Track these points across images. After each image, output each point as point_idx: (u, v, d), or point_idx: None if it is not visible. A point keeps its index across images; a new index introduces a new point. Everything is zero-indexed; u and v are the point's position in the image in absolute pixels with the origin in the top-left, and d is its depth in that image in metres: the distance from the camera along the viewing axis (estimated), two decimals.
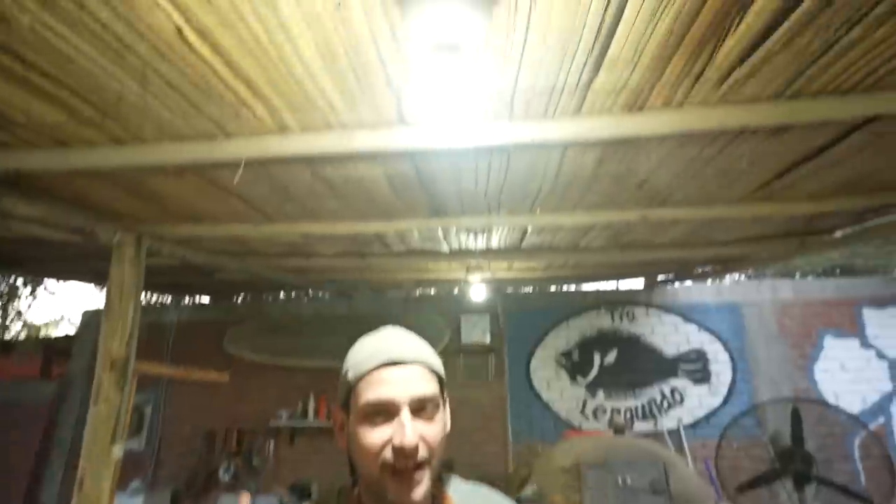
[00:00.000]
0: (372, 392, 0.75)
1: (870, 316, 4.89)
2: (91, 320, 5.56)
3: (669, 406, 4.74)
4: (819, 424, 4.35)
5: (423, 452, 0.73)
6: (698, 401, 4.74)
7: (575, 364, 4.89)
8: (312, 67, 1.14)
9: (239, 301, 5.79)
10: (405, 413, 0.73)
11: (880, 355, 4.79)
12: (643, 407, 4.75)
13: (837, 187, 2.01)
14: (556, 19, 0.99)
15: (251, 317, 5.31)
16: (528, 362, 4.92)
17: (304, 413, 4.81)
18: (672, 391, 4.78)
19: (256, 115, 1.34)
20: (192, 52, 1.08)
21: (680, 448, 4.43)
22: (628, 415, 4.71)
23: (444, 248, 2.82)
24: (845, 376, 4.73)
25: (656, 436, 4.42)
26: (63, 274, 4.05)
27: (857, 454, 4.35)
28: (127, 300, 2.10)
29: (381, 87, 1.22)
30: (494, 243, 2.75)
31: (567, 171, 1.74)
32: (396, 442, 0.72)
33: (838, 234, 2.76)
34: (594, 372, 4.87)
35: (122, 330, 2.07)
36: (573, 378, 4.86)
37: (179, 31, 1.01)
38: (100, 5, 0.94)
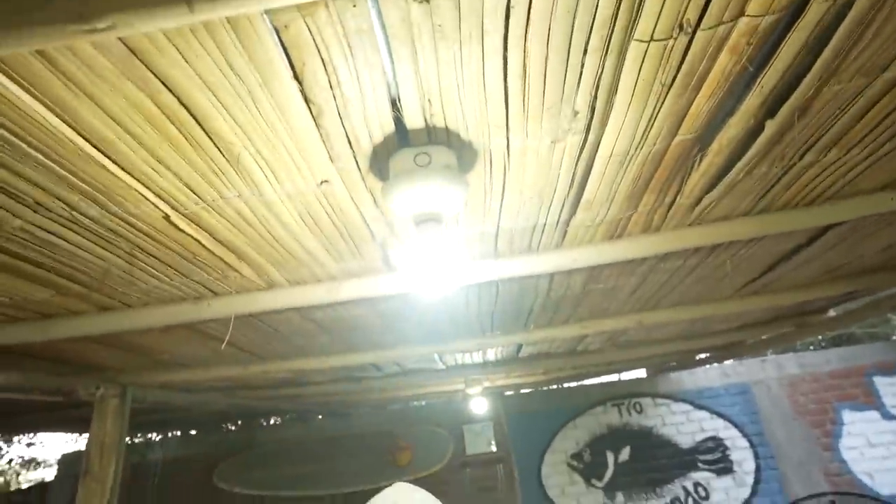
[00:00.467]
0: None
1: (882, 384, 4.77)
2: (71, 465, 5.21)
3: (696, 503, 4.42)
4: None
5: None
6: (725, 494, 4.43)
7: (588, 465, 4.60)
8: (297, 233, 1.17)
9: (227, 430, 5.49)
10: None
11: None
12: None
13: (820, 277, 2.05)
14: (529, 178, 1.05)
15: (242, 447, 5.01)
16: (539, 468, 4.62)
17: None
18: (695, 486, 4.48)
19: (243, 275, 1.35)
20: (178, 231, 1.10)
21: None
22: None
23: (440, 366, 2.75)
24: (875, 452, 4.50)
25: None
26: (37, 427, 3.84)
27: None
28: (108, 458, 1.97)
29: (366, 242, 1.25)
30: (491, 357, 2.69)
31: (557, 292, 1.75)
32: None
33: (832, 312, 2.77)
34: (609, 472, 4.57)
35: (101, 493, 1.91)
36: (588, 481, 4.55)
37: (167, 217, 1.04)
38: (89, 204, 0.97)
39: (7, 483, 6.12)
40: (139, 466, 4.90)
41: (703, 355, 3.97)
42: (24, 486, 6.32)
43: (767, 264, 1.80)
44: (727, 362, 5.90)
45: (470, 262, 1.38)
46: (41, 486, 5.74)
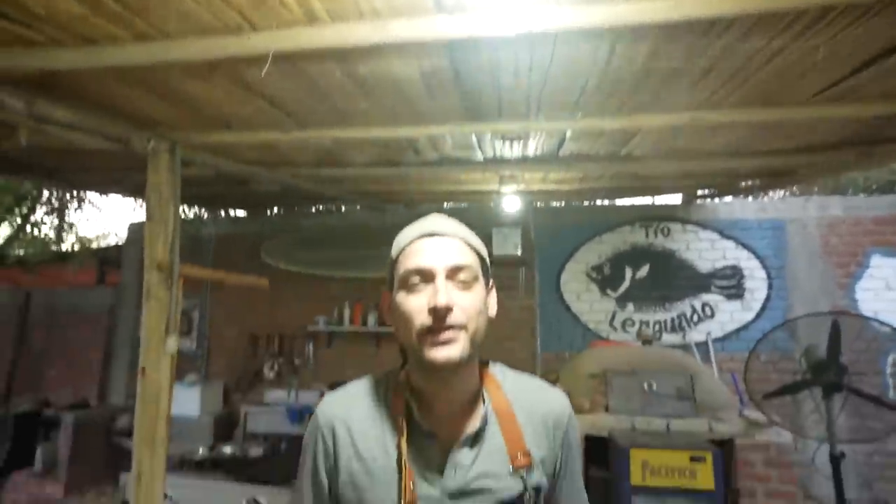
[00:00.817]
0: (410, 261, 0.79)
1: None
2: (138, 232, 5.81)
3: (699, 320, 4.75)
4: (856, 340, 4.31)
5: (457, 316, 0.75)
6: (730, 315, 4.73)
7: (606, 278, 4.89)
8: None
9: (273, 215, 5.90)
10: (440, 279, 0.77)
11: None
12: (672, 320, 4.78)
13: None
14: None
15: (285, 230, 5.44)
16: (559, 275, 4.94)
17: (340, 319, 5.04)
18: (703, 306, 4.77)
19: (283, 3, 1.25)
20: None
21: (707, 361, 4.50)
22: (657, 327, 4.76)
23: (479, 156, 2.73)
24: (889, 295, 4.59)
25: (684, 348, 4.47)
26: (103, 186, 4.16)
27: (888, 370, 4.34)
28: (166, 206, 2.15)
29: None
30: (531, 151, 2.64)
31: (615, 67, 1.60)
32: (431, 303, 0.75)
33: None
34: (625, 285, 4.87)
35: (165, 234, 2.13)
36: (603, 291, 4.88)
37: None
38: None
39: (88, 241, 6.96)
40: (195, 239, 5.44)
41: (747, 182, 3.83)
42: (103, 245, 7.20)
43: (867, 56, 1.57)
44: (767, 198, 5.75)
45: (527, 5, 1.23)
46: (116, 247, 6.54)
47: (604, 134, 2.29)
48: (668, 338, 4.72)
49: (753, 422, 3.18)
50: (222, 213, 5.92)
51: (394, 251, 0.84)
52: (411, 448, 0.79)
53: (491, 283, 0.88)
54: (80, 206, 5.70)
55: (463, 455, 0.80)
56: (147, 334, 2.07)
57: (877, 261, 4.67)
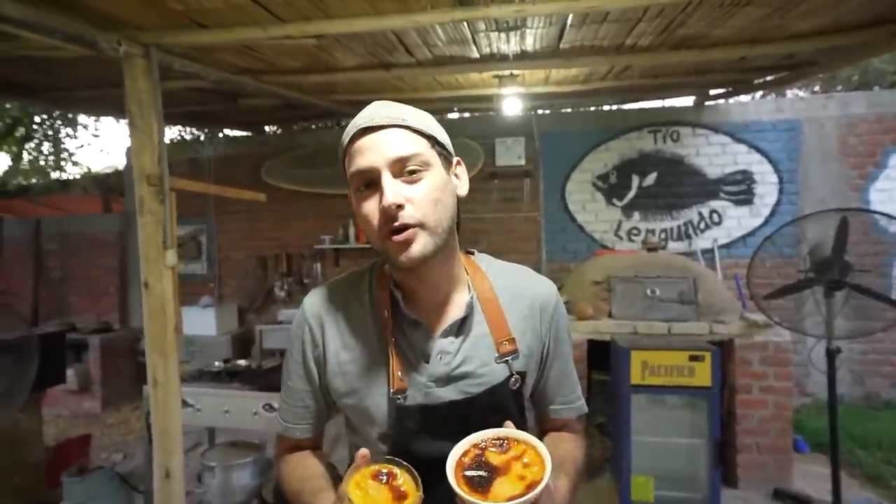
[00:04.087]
0: (353, 164, 0.75)
1: None
2: None
3: (706, 227, 4.70)
4: (862, 243, 4.25)
5: (409, 213, 0.72)
6: (737, 221, 4.66)
7: (612, 186, 4.79)
8: None
9: (271, 134, 5.76)
10: (385, 177, 0.72)
11: None
12: (679, 228, 4.73)
13: None
14: None
15: (284, 149, 5.33)
16: (564, 185, 4.84)
17: (346, 237, 5.07)
18: (711, 213, 4.69)
19: None
20: None
21: (712, 267, 4.50)
22: (663, 235, 4.72)
23: (474, 52, 2.55)
24: None
25: (690, 256, 4.45)
26: (91, 107, 4.03)
27: (894, 272, 4.32)
28: (148, 115, 2.07)
29: None
30: (529, 45, 2.46)
31: None
32: (381, 205, 0.71)
33: None
34: (631, 194, 4.77)
35: (151, 145, 2.07)
36: (609, 201, 4.80)
37: None
38: None
39: (88, 169, 6.92)
40: (194, 161, 5.36)
41: (763, 78, 3.59)
42: (102, 171, 7.17)
43: None
44: (786, 97, 5.46)
45: None
46: (118, 173, 6.50)
47: (607, 20, 2.11)
48: (673, 245, 4.69)
49: (753, 323, 3.23)
50: (220, 134, 5.79)
51: (339, 151, 0.80)
52: (398, 337, 0.80)
53: (455, 161, 0.82)
54: (74, 132, 5.58)
55: (448, 342, 0.80)
56: (144, 248, 2.08)
57: (895, 160, 4.50)
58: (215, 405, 2.57)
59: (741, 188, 4.65)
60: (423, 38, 2.31)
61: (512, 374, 0.80)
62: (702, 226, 4.70)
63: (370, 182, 0.74)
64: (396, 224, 0.71)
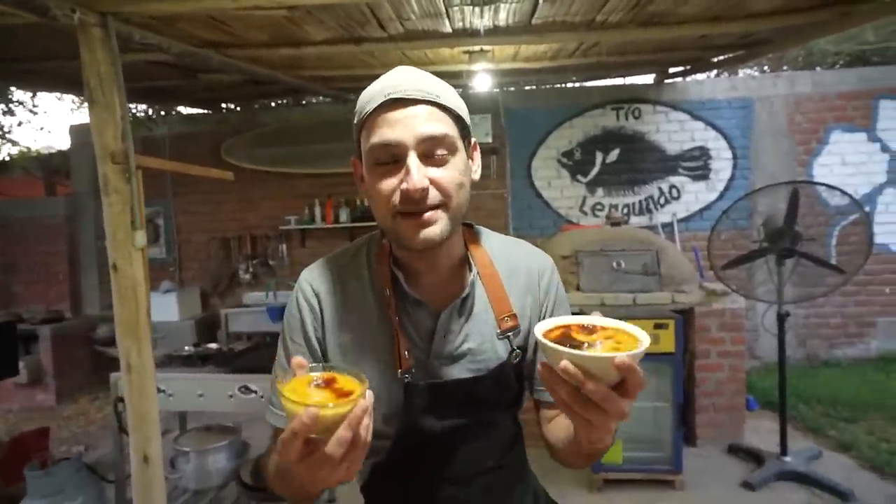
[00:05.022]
0: (375, 135, 0.69)
1: (886, 107, 4.74)
2: (83, 135, 5.40)
3: (666, 202, 4.89)
4: (808, 215, 4.53)
5: (434, 196, 0.69)
6: (695, 196, 4.87)
7: (577, 163, 4.90)
8: None
9: (230, 111, 5.53)
10: (412, 156, 0.68)
11: (884, 148, 4.77)
12: (641, 203, 4.90)
13: None
14: None
15: (245, 128, 5.14)
16: (530, 163, 4.92)
17: (312, 217, 4.98)
18: (670, 188, 4.88)
19: None
20: None
21: (672, 240, 4.70)
22: (625, 210, 4.89)
23: (447, 26, 2.54)
24: (844, 170, 4.78)
25: (651, 229, 4.63)
26: (25, 79, 3.75)
27: (834, 241, 4.64)
28: (109, 88, 1.95)
29: None
30: (502, 19, 2.46)
31: None
32: (403, 186, 0.68)
33: None
34: (595, 170, 4.90)
35: (113, 121, 1.96)
36: (574, 177, 4.92)
37: None
38: None
39: (28, 149, 6.46)
40: (148, 140, 5.10)
41: (720, 56, 3.73)
42: (43, 150, 6.71)
43: None
44: (739, 76, 5.69)
45: None
46: (61, 154, 6.10)
47: None
48: (635, 220, 4.87)
49: (711, 291, 3.42)
50: (175, 111, 5.51)
51: (356, 116, 0.73)
52: (400, 316, 0.78)
53: (473, 143, 0.80)
54: (9, 109, 5.18)
55: (451, 321, 0.79)
56: (112, 229, 1.99)
57: (836, 136, 4.80)
58: (188, 389, 2.52)
59: (698, 164, 4.85)
60: (396, 10, 2.27)
61: (513, 350, 0.81)
62: (662, 201, 4.89)
63: (392, 158, 0.70)
64: (418, 208, 0.68)
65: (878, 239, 4.77)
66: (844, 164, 4.80)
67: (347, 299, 0.80)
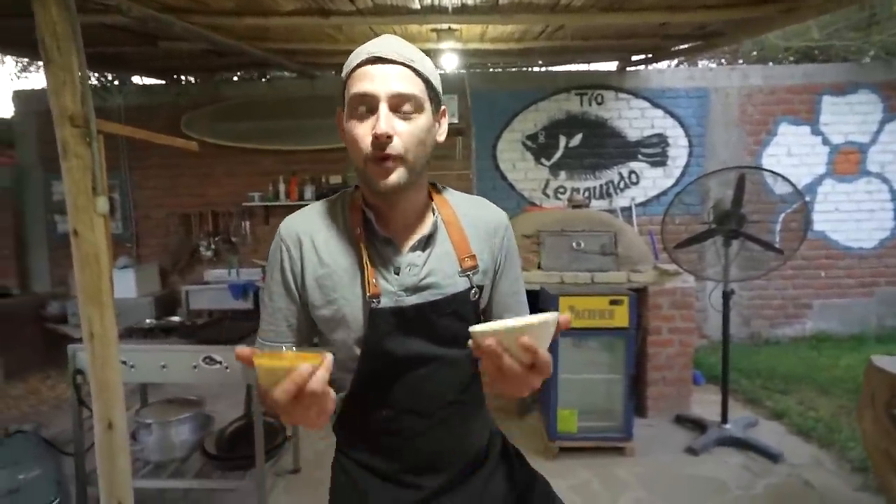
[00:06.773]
0: (356, 86, 0.80)
1: (828, 103, 5.04)
2: (29, 102, 5.12)
3: (625, 187, 5.07)
4: (755, 202, 4.81)
5: (397, 145, 0.79)
6: (652, 182, 5.08)
7: (541, 146, 5.01)
8: None
9: (190, 83, 5.34)
10: (382, 106, 0.78)
11: (825, 142, 5.08)
12: (601, 187, 5.07)
13: None
14: None
15: (206, 101, 4.99)
16: (495, 145, 5.00)
17: (276, 194, 4.92)
18: (630, 173, 5.07)
19: None
20: None
21: (630, 223, 4.89)
22: (586, 194, 5.04)
23: (415, 2, 2.55)
24: (789, 161, 5.07)
25: (610, 212, 4.81)
26: None
27: (778, 227, 4.94)
28: (66, 47, 1.89)
29: None
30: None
31: None
32: (373, 130, 0.78)
33: None
34: (558, 154, 5.03)
35: (71, 81, 1.90)
36: (538, 160, 5.03)
37: None
38: None
39: None
40: (101, 111, 4.86)
41: (679, 46, 3.89)
42: None
43: None
44: (698, 67, 5.91)
45: None
46: (4, 122, 5.76)
47: None
48: (596, 204, 5.04)
49: (664, 271, 3.60)
50: (130, 81, 5.28)
51: (344, 71, 0.85)
52: (370, 251, 0.88)
53: (442, 109, 0.91)
54: None
55: (416, 256, 0.90)
56: (72, 196, 1.94)
57: (783, 129, 5.08)
58: (151, 361, 2.49)
59: (657, 150, 5.05)
60: None
61: (472, 287, 0.92)
62: (621, 185, 5.07)
63: (367, 108, 0.80)
64: (383, 153, 0.79)
65: (817, 227, 5.12)
66: (790, 156, 5.09)
67: (324, 240, 0.91)
